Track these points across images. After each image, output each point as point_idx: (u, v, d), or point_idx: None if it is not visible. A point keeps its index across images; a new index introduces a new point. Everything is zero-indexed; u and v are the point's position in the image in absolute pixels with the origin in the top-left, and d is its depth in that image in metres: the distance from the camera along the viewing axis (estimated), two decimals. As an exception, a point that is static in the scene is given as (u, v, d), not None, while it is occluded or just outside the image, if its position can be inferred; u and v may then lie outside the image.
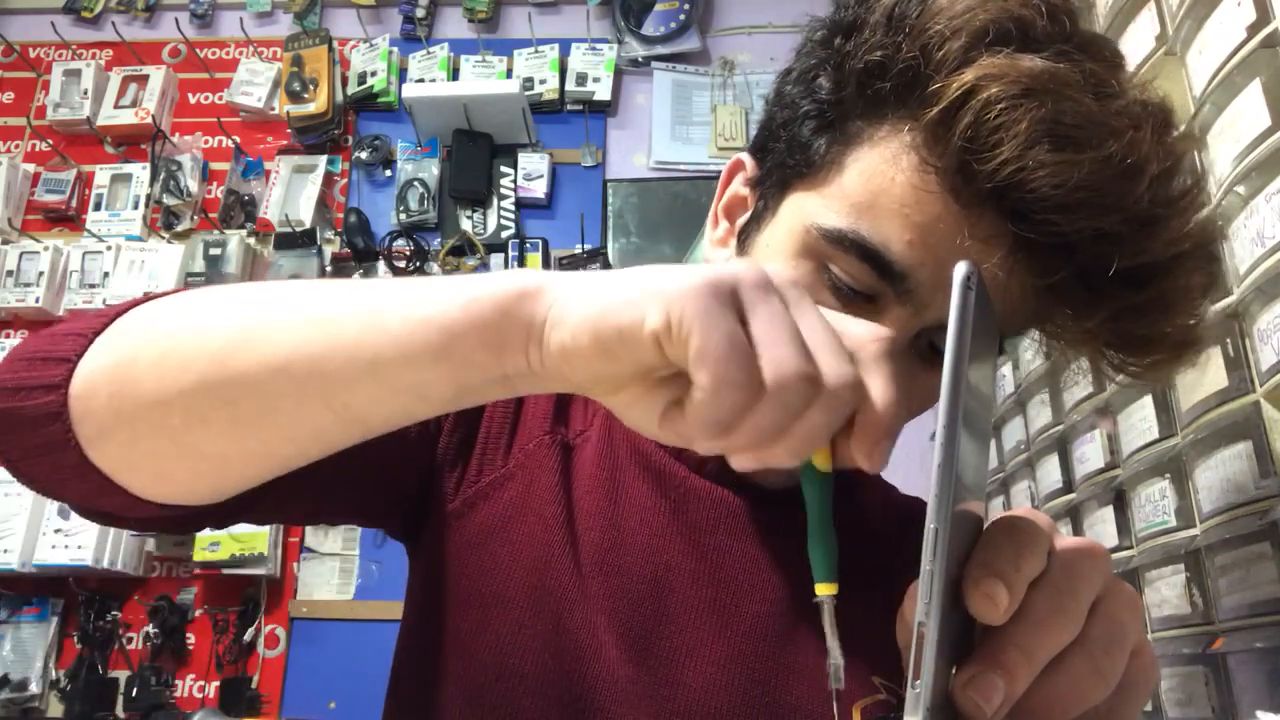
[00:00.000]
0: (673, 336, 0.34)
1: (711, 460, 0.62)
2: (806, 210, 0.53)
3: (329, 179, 2.08)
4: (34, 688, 1.75)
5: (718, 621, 0.58)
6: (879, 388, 0.37)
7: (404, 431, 0.57)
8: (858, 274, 0.50)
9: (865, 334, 0.38)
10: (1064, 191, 0.45)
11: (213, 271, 1.93)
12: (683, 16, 2.17)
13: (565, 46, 2.15)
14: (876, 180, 0.50)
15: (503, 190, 2.05)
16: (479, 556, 0.60)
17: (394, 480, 0.62)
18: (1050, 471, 1.05)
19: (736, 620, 0.58)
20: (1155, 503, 0.80)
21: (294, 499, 0.54)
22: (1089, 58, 0.48)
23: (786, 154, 0.56)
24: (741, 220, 0.60)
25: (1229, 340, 0.69)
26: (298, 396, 0.41)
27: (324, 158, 2.08)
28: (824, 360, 0.35)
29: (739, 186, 0.62)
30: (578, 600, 0.58)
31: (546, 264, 1.97)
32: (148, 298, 0.48)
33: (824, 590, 0.41)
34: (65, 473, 0.45)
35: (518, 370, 0.38)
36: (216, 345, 0.42)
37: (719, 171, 0.64)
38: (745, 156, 0.62)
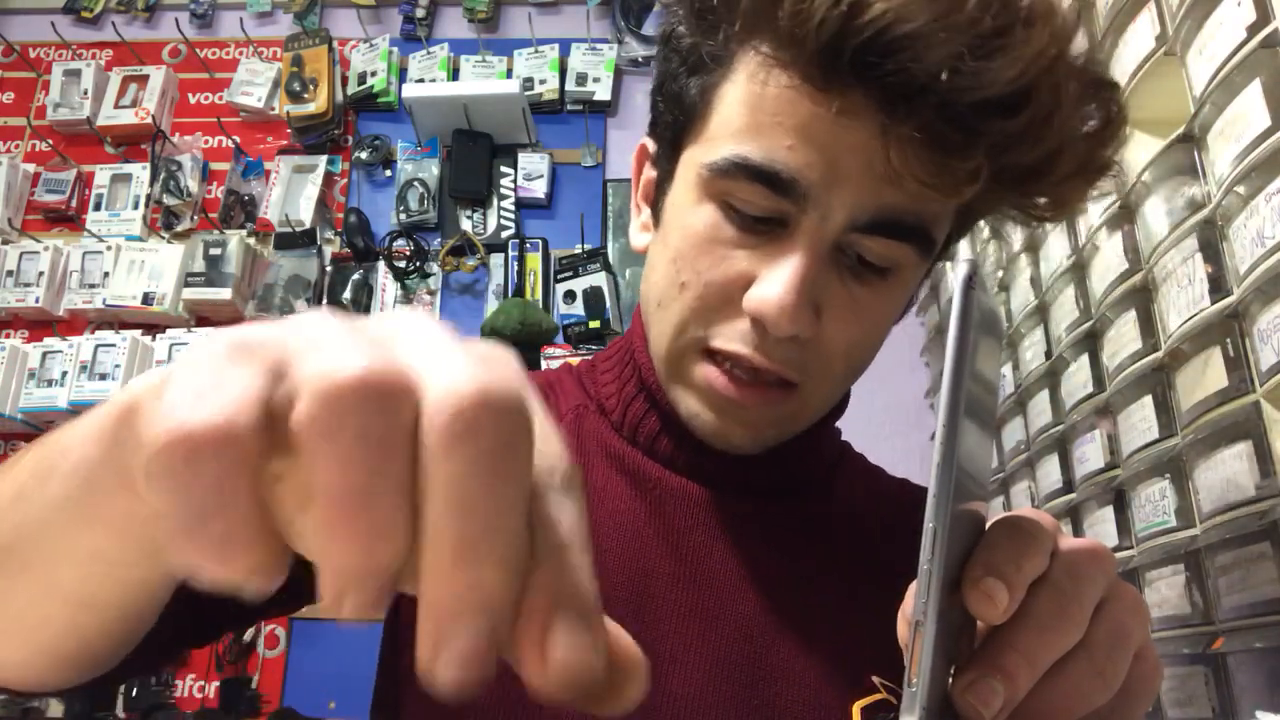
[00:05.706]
0: None
1: (682, 454, 0.61)
2: (696, 158, 0.54)
3: (329, 179, 2.08)
4: (34, 688, 1.75)
5: (701, 626, 0.57)
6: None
7: None
8: (755, 197, 0.51)
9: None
10: (894, 30, 0.45)
11: (213, 271, 1.93)
12: (683, 16, 2.16)
13: (565, 46, 2.14)
14: (748, 102, 0.51)
15: (503, 190, 2.04)
16: None
17: None
18: (1050, 471, 1.05)
19: (720, 623, 0.58)
20: (1155, 503, 0.80)
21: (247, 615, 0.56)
22: None
23: (668, 113, 0.57)
24: None
25: (1229, 340, 0.69)
26: (25, 592, 0.36)
27: (324, 158, 2.07)
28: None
29: (649, 170, 0.63)
30: None
31: (546, 263, 1.97)
32: None
33: None
34: None
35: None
36: None
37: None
38: (647, 140, 0.63)
